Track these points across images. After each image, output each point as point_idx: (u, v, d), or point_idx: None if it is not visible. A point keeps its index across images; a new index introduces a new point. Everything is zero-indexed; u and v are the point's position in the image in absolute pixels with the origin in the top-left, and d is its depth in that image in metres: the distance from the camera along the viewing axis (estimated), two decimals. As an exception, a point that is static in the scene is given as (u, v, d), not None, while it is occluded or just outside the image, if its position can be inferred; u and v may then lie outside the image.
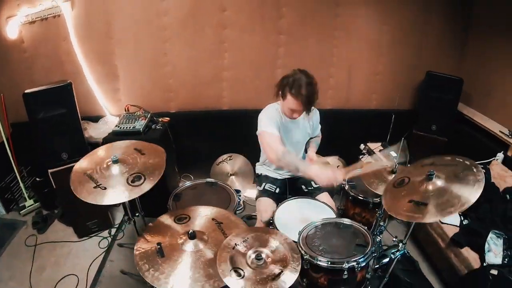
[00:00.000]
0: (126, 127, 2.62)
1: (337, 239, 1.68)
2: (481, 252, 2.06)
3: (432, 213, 1.40)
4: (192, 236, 1.56)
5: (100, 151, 1.93)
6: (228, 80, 2.93)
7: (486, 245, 2.05)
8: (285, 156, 1.80)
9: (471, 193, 1.37)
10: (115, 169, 1.71)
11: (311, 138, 2.31)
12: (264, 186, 2.25)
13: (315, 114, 2.21)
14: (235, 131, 3.04)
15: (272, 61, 2.88)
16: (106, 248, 2.61)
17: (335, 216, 1.97)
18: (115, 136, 2.61)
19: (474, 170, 1.46)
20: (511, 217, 2.12)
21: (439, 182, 1.49)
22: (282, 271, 1.34)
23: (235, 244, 1.48)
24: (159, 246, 1.53)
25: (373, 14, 2.75)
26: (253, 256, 1.42)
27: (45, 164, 2.44)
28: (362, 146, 2.83)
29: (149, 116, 2.74)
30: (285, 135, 2.08)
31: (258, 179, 2.36)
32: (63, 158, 2.45)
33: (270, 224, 2.00)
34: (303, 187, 2.27)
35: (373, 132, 2.90)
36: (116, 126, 2.65)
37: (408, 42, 2.86)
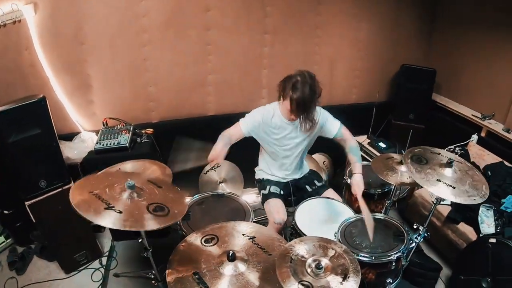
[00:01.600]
0: (109, 144, 2.42)
1: (375, 233, 1.76)
2: (475, 225, 2.33)
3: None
4: (233, 257, 1.43)
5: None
6: (213, 84, 2.86)
7: (479, 218, 2.32)
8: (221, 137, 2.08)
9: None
10: (129, 194, 1.51)
11: (334, 139, 2.18)
12: (270, 189, 2.25)
13: (321, 114, 2.13)
14: None
15: (258, 61, 2.89)
16: (101, 280, 2.39)
17: (351, 211, 2.07)
18: (97, 155, 2.41)
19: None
20: (495, 190, 2.42)
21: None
22: (347, 276, 1.36)
23: (291, 257, 1.43)
24: (197, 276, 1.39)
25: (351, 12, 2.91)
26: (313, 265, 1.39)
27: (20, 195, 2.13)
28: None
29: (131, 129, 2.55)
30: (282, 136, 2.10)
31: (261, 183, 2.36)
32: (41, 186, 2.17)
33: (283, 225, 2.06)
34: (307, 187, 2.32)
35: (356, 125, 3.04)
36: (97, 143, 2.43)
37: (382, 37, 3.09)
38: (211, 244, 1.60)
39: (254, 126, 2.09)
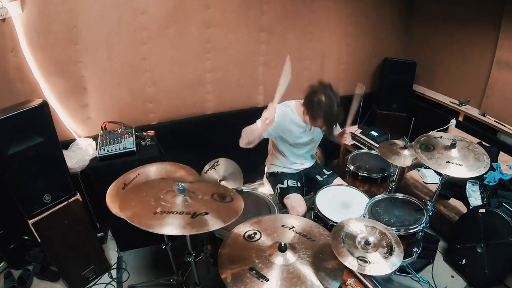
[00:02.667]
0: (115, 149, 2.31)
1: (397, 210, 2.01)
2: (464, 199, 2.65)
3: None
4: (284, 248, 1.47)
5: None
6: (212, 82, 2.86)
7: (467, 193, 2.65)
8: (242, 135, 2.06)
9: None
10: (183, 198, 1.51)
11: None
12: (288, 183, 2.35)
13: None
14: (223, 135, 2.98)
15: (255, 58, 2.95)
16: (117, 295, 2.28)
17: (363, 194, 2.25)
18: (102, 163, 2.29)
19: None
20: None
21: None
22: (392, 248, 1.53)
23: (342, 238, 1.56)
24: (254, 271, 1.41)
25: (340, 8, 3.09)
26: (362, 242, 1.55)
27: (23, 213, 1.94)
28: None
29: (133, 132, 2.46)
30: (298, 136, 2.22)
31: (275, 177, 2.44)
32: (46, 201, 1.99)
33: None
34: (318, 177, 2.47)
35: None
36: (100, 149, 2.30)
37: (365, 32, 3.32)
38: (255, 239, 1.63)
39: (273, 128, 2.11)
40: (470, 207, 2.56)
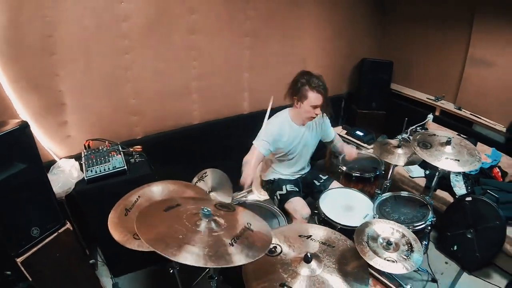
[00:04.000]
0: (103, 169, 2.15)
1: (404, 208, 2.11)
2: (449, 189, 2.84)
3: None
4: (310, 259, 1.47)
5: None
6: (197, 91, 2.79)
7: (452, 183, 2.84)
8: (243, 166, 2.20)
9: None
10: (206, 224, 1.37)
11: (331, 142, 2.60)
12: (287, 188, 2.36)
13: (325, 118, 2.42)
14: (210, 144, 2.96)
15: (239, 64, 2.93)
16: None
17: (364, 195, 2.33)
18: (90, 185, 2.12)
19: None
20: (457, 158, 2.98)
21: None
22: (411, 245, 1.61)
23: (366, 240, 1.62)
24: (285, 286, 1.39)
25: (319, 13, 3.16)
26: (384, 243, 1.63)
27: (10, 251, 1.72)
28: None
29: (119, 148, 2.31)
30: (297, 144, 2.29)
31: (273, 185, 2.45)
32: (34, 235, 1.80)
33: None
34: (315, 181, 2.52)
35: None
36: (87, 170, 2.12)
37: (342, 35, 3.44)
38: (276, 253, 1.61)
39: (274, 143, 2.20)
40: (457, 197, 2.74)
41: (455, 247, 2.62)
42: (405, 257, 1.57)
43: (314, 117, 2.17)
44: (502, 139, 3.06)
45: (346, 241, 1.68)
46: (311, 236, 1.71)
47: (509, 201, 2.49)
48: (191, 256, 1.20)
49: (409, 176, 3.07)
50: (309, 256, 1.47)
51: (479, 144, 3.01)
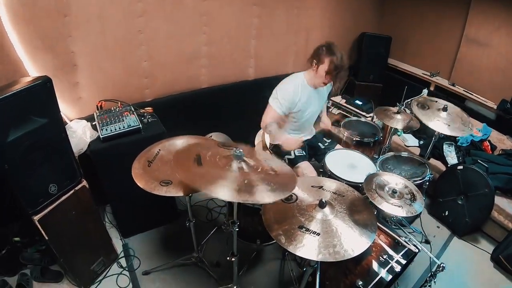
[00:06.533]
0: (119, 128, 2.24)
1: (404, 165, 2.39)
2: (442, 159, 3.12)
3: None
4: (324, 204, 1.63)
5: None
6: (207, 56, 2.89)
7: (444, 153, 3.11)
8: (268, 128, 2.34)
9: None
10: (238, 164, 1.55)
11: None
12: (295, 153, 2.52)
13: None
14: (216, 108, 3.11)
15: (248, 32, 3.04)
16: (130, 284, 2.28)
17: (365, 156, 2.54)
18: (105, 143, 2.22)
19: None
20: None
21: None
22: (414, 195, 1.86)
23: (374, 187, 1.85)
24: (303, 228, 1.55)
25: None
26: (390, 191, 1.87)
27: (27, 208, 1.76)
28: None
29: (132, 109, 2.42)
30: (307, 105, 2.41)
31: (281, 148, 2.59)
32: (52, 192, 1.85)
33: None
34: (320, 144, 2.71)
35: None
36: (103, 129, 2.22)
37: (344, 8, 3.58)
38: (292, 200, 1.76)
39: (289, 103, 2.30)
40: (448, 165, 3.02)
41: (447, 213, 2.89)
42: (408, 204, 1.82)
43: (325, 83, 2.32)
44: (492, 116, 3.34)
45: (354, 191, 1.83)
46: (322, 186, 1.86)
47: (498, 172, 2.78)
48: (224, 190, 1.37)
49: (405, 145, 3.33)
50: (324, 201, 1.64)
51: (471, 119, 3.28)
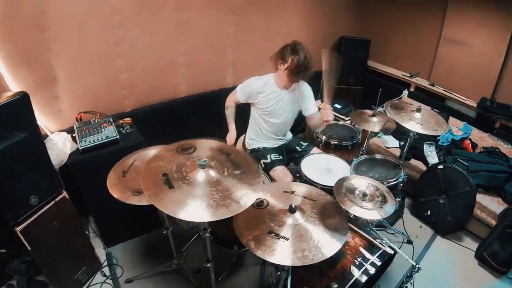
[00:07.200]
0: (97, 139, 2.30)
1: (378, 168, 2.46)
2: (423, 159, 3.18)
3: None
4: (294, 210, 1.68)
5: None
6: (185, 66, 2.98)
7: (425, 153, 3.18)
8: (227, 110, 2.65)
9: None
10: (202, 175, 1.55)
11: (311, 119, 2.64)
12: (271, 157, 2.59)
13: (306, 87, 2.60)
14: (196, 117, 3.19)
15: (225, 40, 3.12)
16: (115, 292, 2.32)
17: (342, 160, 2.61)
18: (84, 155, 2.28)
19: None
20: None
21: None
22: (385, 197, 1.91)
23: (344, 192, 1.91)
24: (273, 234, 1.59)
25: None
26: (360, 194, 1.92)
27: (8, 220, 1.83)
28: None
29: (111, 120, 2.49)
30: (276, 105, 2.50)
31: (258, 153, 2.67)
32: (33, 203, 1.92)
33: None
34: (297, 148, 2.78)
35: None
36: (81, 141, 2.28)
37: (322, 12, 3.68)
38: (263, 206, 1.81)
39: (250, 91, 2.48)
40: (429, 165, 3.08)
41: (429, 212, 2.94)
42: (379, 206, 1.87)
43: (289, 83, 2.41)
44: (473, 114, 3.41)
45: (326, 195, 1.88)
46: (294, 191, 1.91)
47: (479, 170, 2.83)
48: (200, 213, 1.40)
49: (385, 146, 3.40)
50: (293, 206, 1.68)
51: (451, 118, 3.36)
